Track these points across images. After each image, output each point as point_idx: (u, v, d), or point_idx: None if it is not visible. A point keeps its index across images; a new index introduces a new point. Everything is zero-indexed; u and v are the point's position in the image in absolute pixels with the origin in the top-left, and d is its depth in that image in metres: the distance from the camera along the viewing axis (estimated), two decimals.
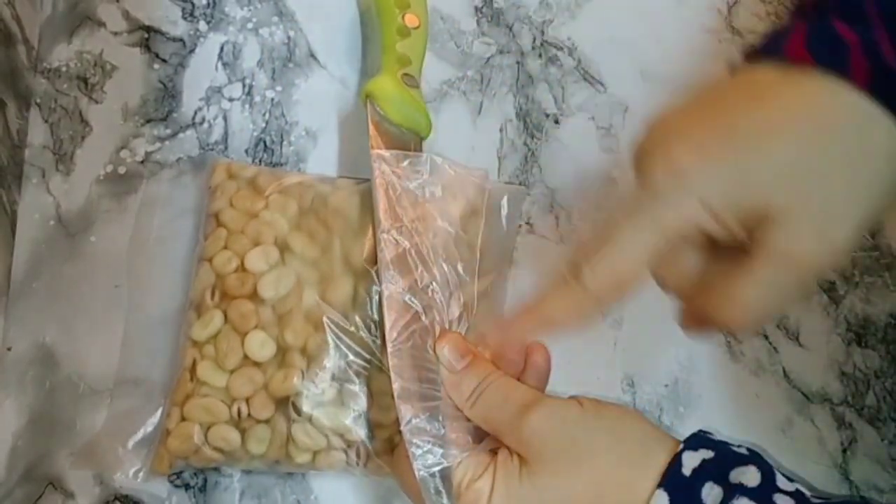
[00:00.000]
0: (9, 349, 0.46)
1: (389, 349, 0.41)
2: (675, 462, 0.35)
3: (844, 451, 0.49)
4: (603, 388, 0.49)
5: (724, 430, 0.49)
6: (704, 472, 0.34)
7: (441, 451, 0.38)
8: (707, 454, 0.35)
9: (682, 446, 0.35)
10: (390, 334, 0.41)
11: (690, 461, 0.35)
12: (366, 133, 0.47)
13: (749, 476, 0.34)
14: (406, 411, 0.39)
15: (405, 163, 0.46)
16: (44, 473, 0.44)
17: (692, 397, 0.49)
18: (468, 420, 0.39)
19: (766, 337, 0.51)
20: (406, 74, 0.49)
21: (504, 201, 0.49)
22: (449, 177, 0.47)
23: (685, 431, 0.48)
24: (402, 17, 0.51)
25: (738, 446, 0.36)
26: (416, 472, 0.37)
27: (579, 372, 0.49)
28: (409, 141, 0.48)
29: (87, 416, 0.45)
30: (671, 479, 0.34)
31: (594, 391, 0.48)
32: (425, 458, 0.38)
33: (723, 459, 0.35)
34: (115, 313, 0.47)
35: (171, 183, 0.50)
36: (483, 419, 0.38)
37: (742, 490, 0.33)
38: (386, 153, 0.46)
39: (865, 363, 0.52)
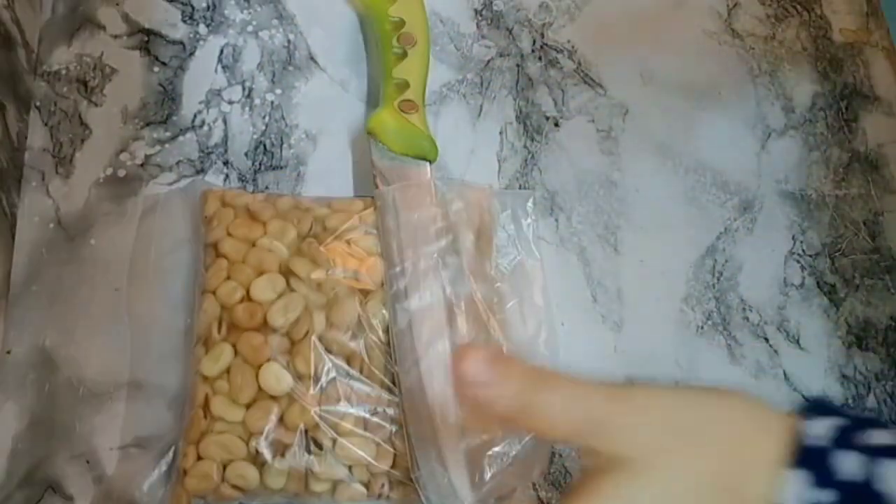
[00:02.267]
0: (8, 352, 0.46)
1: (403, 387, 0.41)
2: (801, 435, 0.30)
3: None
4: None
5: None
6: (839, 440, 0.29)
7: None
8: (837, 421, 0.30)
9: (804, 417, 0.31)
10: (402, 368, 0.42)
11: (819, 430, 0.30)
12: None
13: (888, 437, 0.29)
14: (421, 455, 0.39)
15: (410, 194, 0.46)
16: (43, 477, 0.44)
17: None
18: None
19: (767, 340, 0.51)
20: (405, 101, 0.49)
21: (510, 211, 0.49)
22: (456, 200, 0.47)
23: None
24: (398, 38, 0.51)
25: (864, 411, 0.33)
26: None
27: (579, 374, 0.49)
28: (416, 168, 0.48)
29: (87, 420, 0.45)
30: (801, 454, 0.29)
31: None
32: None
33: (854, 424, 0.30)
34: (114, 316, 0.47)
35: (163, 213, 0.49)
36: (549, 427, 0.32)
37: (887, 452, 0.28)
38: (390, 189, 0.46)
39: (866, 366, 0.51)
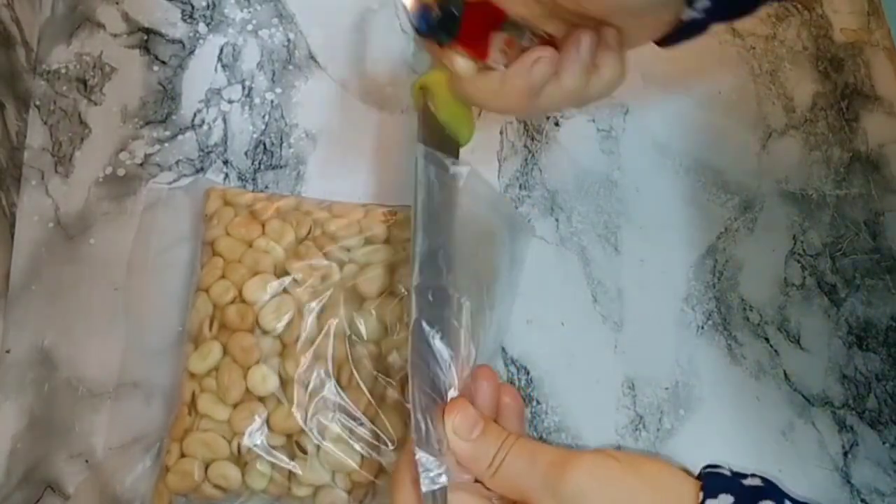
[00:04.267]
0: (7, 352, 0.46)
1: (411, 358, 0.39)
2: None
3: (846, 454, 0.49)
4: (603, 390, 0.49)
5: (725, 434, 0.49)
6: None
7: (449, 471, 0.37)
8: (727, 499, 0.34)
9: (702, 496, 0.35)
10: (413, 334, 0.39)
11: None
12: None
13: None
14: (421, 423, 0.37)
15: (449, 164, 0.43)
16: (43, 476, 0.44)
17: (693, 400, 0.49)
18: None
19: (767, 340, 0.51)
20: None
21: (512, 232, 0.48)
22: (479, 193, 0.45)
23: (686, 434, 0.48)
24: None
25: (751, 475, 0.36)
26: (423, 487, 0.36)
27: (579, 375, 0.49)
28: (448, 143, 0.45)
29: (86, 419, 0.45)
30: None
31: (594, 394, 0.48)
32: (429, 472, 0.37)
33: (742, 501, 0.34)
34: (114, 315, 0.47)
35: (166, 209, 0.49)
36: (509, 487, 0.37)
37: None
38: (435, 153, 0.42)
39: (866, 366, 0.51)
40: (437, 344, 0.39)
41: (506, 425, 0.40)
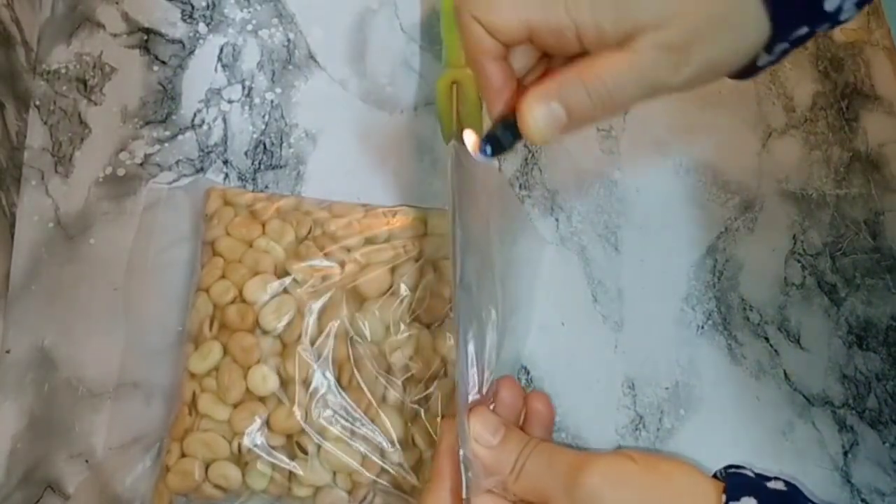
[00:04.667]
0: (7, 352, 0.46)
1: (457, 358, 0.39)
2: None
3: (846, 454, 0.49)
4: (603, 390, 0.49)
5: (725, 434, 0.49)
6: None
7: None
8: (750, 503, 0.34)
9: (724, 497, 0.35)
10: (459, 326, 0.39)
11: None
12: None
13: None
14: (468, 422, 0.37)
15: (478, 161, 0.41)
16: (43, 476, 0.44)
17: (693, 400, 0.49)
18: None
19: (767, 339, 0.51)
20: None
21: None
22: (504, 194, 0.45)
23: (686, 434, 0.48)
24: None
25: (775, 479, 0.36)
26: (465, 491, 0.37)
27: (580, 375, 0.49)
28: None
29: (86, 419, 0.45)
30: None
31: (594, 394, 0.48)
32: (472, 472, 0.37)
33: None
34: (114, 315, 0.47)
35: (166, 209, 0.49)
36: (530, 489, 0.37)
37: None
38: (468, 150, 0.41)
39: (866, 366, 0.51)
40: (469, 346, 0.39)
41: (531, 431, 0.40)
